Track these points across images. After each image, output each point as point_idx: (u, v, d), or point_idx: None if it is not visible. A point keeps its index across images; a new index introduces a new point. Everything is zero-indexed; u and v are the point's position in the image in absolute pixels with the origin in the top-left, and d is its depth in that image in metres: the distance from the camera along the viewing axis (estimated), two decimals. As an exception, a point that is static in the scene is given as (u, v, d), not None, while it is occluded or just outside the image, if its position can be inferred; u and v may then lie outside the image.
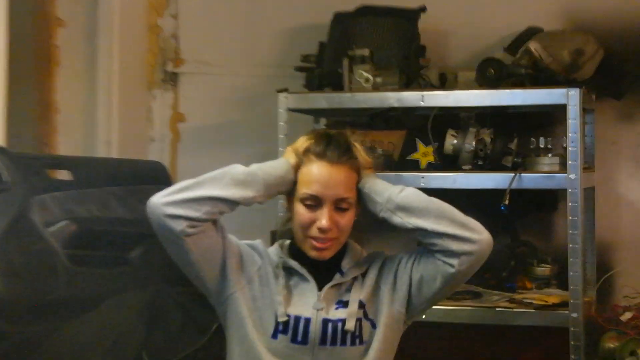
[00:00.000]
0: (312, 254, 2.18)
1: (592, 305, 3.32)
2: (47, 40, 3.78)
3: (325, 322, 2.16)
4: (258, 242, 2.29)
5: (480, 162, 3.27)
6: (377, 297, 2.23)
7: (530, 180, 3.11)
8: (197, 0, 4.12)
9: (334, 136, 2.21)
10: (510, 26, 3.54)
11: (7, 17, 3.18)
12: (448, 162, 3.31)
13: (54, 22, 3.80)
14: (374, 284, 2.23)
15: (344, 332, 2.16)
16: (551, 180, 3.11)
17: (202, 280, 2.19)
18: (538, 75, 3.26)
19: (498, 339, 3.61)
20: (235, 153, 3.72)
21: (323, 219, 2.13)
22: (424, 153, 3.39)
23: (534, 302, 3.17)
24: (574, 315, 3.04)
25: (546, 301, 3.17)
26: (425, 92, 3.25)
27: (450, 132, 3.31)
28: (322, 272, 2.22)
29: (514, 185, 3.08)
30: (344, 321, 2.17)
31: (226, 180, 2.12)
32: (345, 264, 2.23)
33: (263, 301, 2.19)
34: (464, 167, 3.28)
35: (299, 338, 2.15)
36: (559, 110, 3.15)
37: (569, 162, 3.05)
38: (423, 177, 3.20)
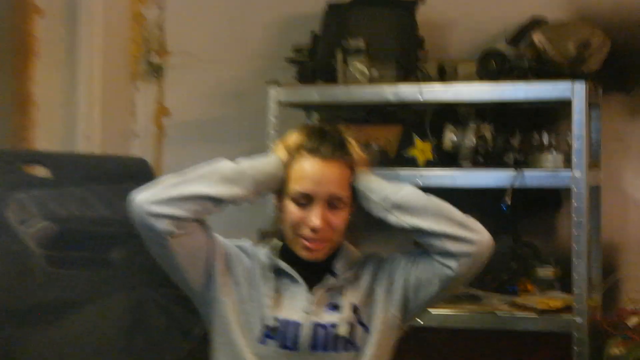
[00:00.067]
0: (303, 254, 2.18)
1: (597, 309, 3.33)
2: (24, 29, 3.78)
3: (316, 326, 2.16)
4: (246, 243, 2.30)
5: (480, 159, 3.28)
6: (372, 301, 2.23)
7: (532, 178, 3.12)
8: (184, -12, 4.13)
9: (327, 131, 2.21)
10: (512, 16, 3.54)
11: (-17, 5, 3.18)
12: (447, 159, 3.32)
13: (31, 10, 3.80)
14: (369, 287, 2.23)
15: (336, 338, 2.16)
16: (555, 178, 3.11)
17: (187, 282, 2.19)
18: (542, 68, 3.27)
19: (498, 345, 3.62)
20: (223, 149, 3.73)
21: (314, 217, 2.13)
22: (421, 149, 3.39)
23: (536, 306, 3.18)
24: (578, 320, 3.05)
25: (549, 305, 3.18)
26: (423, 86, 3.25)
27: (450, 127, 3.31)
28: (314, 274, 2.21)
29: (516, 184, 3.09)
30: (336, 325, 2.17)
31: (214, 177, 2.12)
32: (338, 265, 2.23)
33: (251, 304, 2.19)
34: (463, 164, 3.28)
35: (289, 343, 2.15)
36: (564, 105, 3.15)
37: (574, 160, 3.05)
38: (421, 175, 3.21)
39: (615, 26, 3.50)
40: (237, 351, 2.16)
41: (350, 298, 2.21)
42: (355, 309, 2.20)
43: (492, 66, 3.24)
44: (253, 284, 2.21)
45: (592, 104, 3.32)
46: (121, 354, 2.81)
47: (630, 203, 3.63)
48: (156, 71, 4.14)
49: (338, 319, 2.17)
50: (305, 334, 2.16)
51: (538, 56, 3.27)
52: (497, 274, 3.42)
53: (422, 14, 3.54)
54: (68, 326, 2.77)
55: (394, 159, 3.43)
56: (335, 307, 2.20)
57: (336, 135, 2.20)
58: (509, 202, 3.06)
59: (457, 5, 3.74)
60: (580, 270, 3.04)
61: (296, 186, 2.16)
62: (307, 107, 3.69)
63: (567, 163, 3.13)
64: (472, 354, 3.70)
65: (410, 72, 3.43)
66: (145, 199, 2.07)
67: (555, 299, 3.24)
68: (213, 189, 2.11)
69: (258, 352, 2.16)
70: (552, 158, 3.21)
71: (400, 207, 2.15)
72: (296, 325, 2.16)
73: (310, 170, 2.15)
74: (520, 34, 3.43)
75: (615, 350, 3.10)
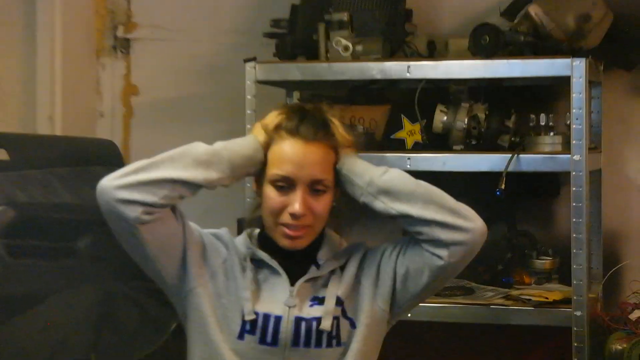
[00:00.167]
0: (284, 243, 2.18)
1: (597, 302, 3.35)
2: (-23, 2, 3.76)
3: (298, 320, 2.18)
4: (223, 231, 2.30)
5: (473, 142, 3.29)
6: (357, 293, 2.24)
7: (529, 162, 3.13)
8: (152, -45, 4.11)
9: (308, 111, 2.21)
10: (507, -12, 3.55)
11: None
12: (437, 142, 3.33)
13: (-15, -19, 3.78)
14: (354, 279, 2.25)
15: (319, 332, 2.17)
16: (553, 162, 3.12)
17: (159, 273, 2.20)
18: (539, 44, 3.27)
19: (493, 340, 3.64)
20: (196, 131, 3.74)
21: (295, 202, 2.14)
22: (410, 131, 3.40)
23: (533, 298, 3.20)
24: (578, 313, 3.06)
25: (546, 298, 3.20)
26: (411, 63, 3.25)
27: (440, 107, 3.32)
28: (296, 264, 2.23)
29: (511, 168, 3.10)
30: (319, 320, 2.18)
31: (187, 160, 2.12)
32: (322, 255, 2.24)
33: (228, 297, 2.20)
34: (455, 147, 3.29)
35: (268, 339, 2.17)
36: (562, 83, 3.17)
37: (573, 142, 3.06)
38: (409, 158, 3.21)
39: (618, -2, 3.51)
40: (213, 347, 2.17)
41: (334, 290, 2.21)
42: (340, 302, 2.21)
43: (485, 41, 3.24)
44: (230, 276, 2.22)
45: (592, 82, 3.34)
46: (88, 350, 2.82)
47: (633, 188, 3.65)
48: (123, 46, 4.14)
49: (321, 313, 2.19)
50: (286, 328, 2.17)
51: (535, 30, 3.28)
52: (491, 265, 3.44)
53: (411, -16, 3.55)
54: (29, 321, 2.77)
55: (380, 141, 3.44)
56: (318, 300, 2.21)
57: (318, 115, 2.21)
58: (504, 188, 3.07)
59: (448, -25, 3.76)
60: (579, 260, 3.06)
61: (275, 169, 2.16)
62: (287, 86, 3.70)
63: (566, 146, 3.14)
64: (464, 349, 3.72)
65: (398, 48, 3.44)
66: (112, 184, 2.07)
67: (553, 291, 3.26)
68: (186, 173, 2.11)
69: (236, 347, 2.17)
70: (549, 140, 3.22)
71: (386, 192, 2.15)
72: (276, 319, 2.18)
73: (290, 152, 2.16)
74: (516, 7, 3.44)
75: (617, 345, 3.12)
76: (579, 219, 3.05)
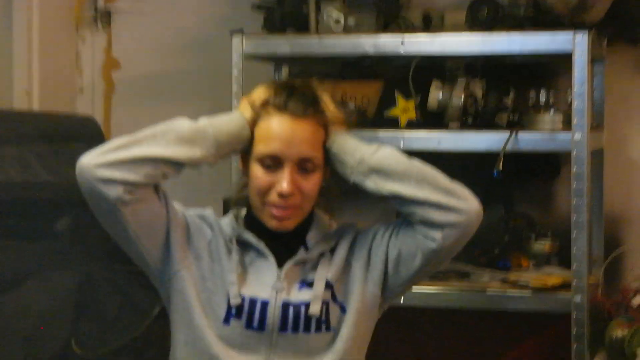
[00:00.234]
0: (271, 224, 2.19)
1: (598, 287, 3.36)
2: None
3: (286, 305, 2.18)
4: (208, 212, 2.31)
5: (470, 120, 3.29)
6: (348, 277, 2.25)
7: (528, 141, 3.14)
8: None
9: (297, 86, 2.21)
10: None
11: None
12: (432, 120, 3.33)
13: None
14: (344, 262, 2.25)
15: (308, 317, 2.18)
16: (553, 141, 3.13)
17: (142, 256, 2.20)
18: (539, 18, 3.27)
19: (489, 326, 3.66)
20: (180, 107, 3.72)
21: (283, 181, 2.14)
22: (404, 108, 3.40)
23: (531, 283, 3.21)
24: (577, 298, 3.08)
25: (545, 282, 3.21)
26: (406, 37, 3.26)
27: (435, 84, 3.32)
28: (284, 246, 2.23)
29: (510, 147, 3.11)
30: (307, 304, 2.18)
31: (170, 137, 2.12)
32: (311, 237, 2.25)
33: (213, 281, 2.21)
34: (450, 125, 3.30)
35: (255, 324, 2.17)
36: (563, 59, 3.16)
37: (574, 120, 3.07)
38: (403, 137, 3.22)
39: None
40: (198, 332, 2.17)
41: (324, 274, 2.22)
42: (329, 286, 2.21)
43: (483, 15, 3.25)
44: (215, 258, 2.23)
45: (595, 58, 3.34)
46: (68, 336, 2.83)
47: (636, 169, 3.65)
48: (104, 18, 4.13)
49: (310, 297, 2.19)
50: (273, 313, 2.18)
51: (535, 3, 3.28)
52: (488, 248, 3.45)
53: (405, -46, 3.54)
54: (6, 305, 2.78)
55: (373, 119, 3.44)
56: (307, 284, 2.22)
57: (307, 91, 2.21)
58: (502, 168, 3.07)
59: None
60: (579, 243, 3.07)
61: (263, 147, 2.16)
62: (276, 60, 3.69)
63: (567, 124, 3.15)
64: (458, 336, 3.74)
65: (392, 21, 3.43)
66: (92, 162, 2.07)
67: (552, 276, 3.27)
68: (169, 150, 2.10)
69: (221, 333, 2.17)
70: (549, 119, 3.22)
71: (378, 171, 2.16)
72: (263, 303, 2.18)
73: (278, 129, 2.16)
74: (516, -21, 3.44)
75: (618, 332, 3.12)
76: (580, 200, 3.07)
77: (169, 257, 2.20)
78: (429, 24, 3.48)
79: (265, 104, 2.18)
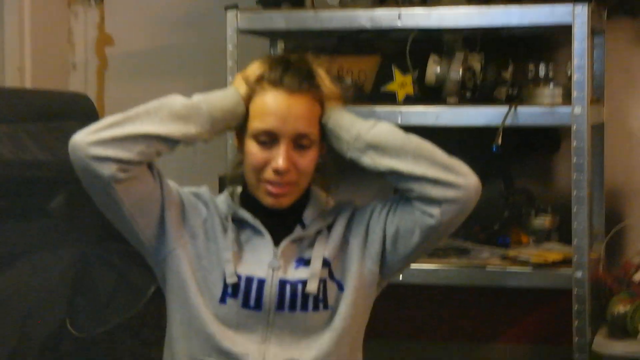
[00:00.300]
0: (267, 201, 2.19)
1: (599, 263, 3.37)
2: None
3: (283, 283, 2.19)
4: (203, 190, 2.30)
5: (468, 94, 3.29)
6: (345, 254, 2.25)
7: (527, 115, 3.14)
8: None
9: (292, 61, 2.20)
10: None
11: None
12: (430, 94, 3.33)
13: None
14: (342, 239, 2.25)
15: (305, 296, 2.18)
16: (552, 115, 3.13)
17: (136, 235, 2.20)
18: (538, -11, 3.27)
19: (489, 303, 3.68)
20: (174, 83, 3.74)
21: (279, 158, 2.13)
22: (401, 83, 3.39)
23: (531, 259, 3.22)
24: (578, 274, 3.09)
25: (545, 258, 3.22)
26: (402, 10, 3.24)
27: (433, 58, 3.32)
28: (280, 224, 2.23)
29: (509, 122, 3.11)
30: (305, 282, 2.18)
31: (163, 113, 2.11)
32: (308, 214, 2.25)
33: (209, 259, 2.21)
34: (448, 100, 3.30)
35: (252, 302, 2.17)
36: (563, 32, 3.17)
37: (574, 94, 3.07)
38: (400, 112, 3.22)
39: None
40: (194, 311, 2.18)
41: (321, 251, 2.22)
42: (326, 263, 2.21)
43: (481, -13, 3.24)
44: (211, 237, 2.23)
45: (595, 30, 3.34)
46: (62, 316, 2.83)
47: (637, 143, 3.66)
48: (96, -7, 4.12)
49: (307, 275, 2.19)
50: (270, 292, 2.18)
51: (534, -25, 3.27)
52: (487, 224, 3.45)
53: None
54: (0, 285, 2.78)
55: (369, 94, 3.44)
56: (304, 262, 2.22)
57: (303, 66, 2.20)
58: (500, 143, 3.07)
59: None
60: (580, 218, 3.08)
61: (258, 123, 2.16)
62: (271, 35, 3.69)
63: (567, 98, 3.15)
64: (458, 313, 3.75)
65: (389, -6, 3.43)
66: (85, 140, 2.06)
67: (552, 252, 3.28)
68: (162, 127, 2.10)
69: (217, 312, 2.18)
70: (549, 92, 3.23)
71: (374, 146, 2.15)
72: (260, 282, 2.18)
73: (273, 105, 2.15)
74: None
75: (620, 308, 3.13)
76: (580, 175, 3.07)
77: (163, 235, 2.20)
78: (427, -3, 3.47)
79: (260, 80, 2.18)
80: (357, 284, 2.23)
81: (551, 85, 3.24)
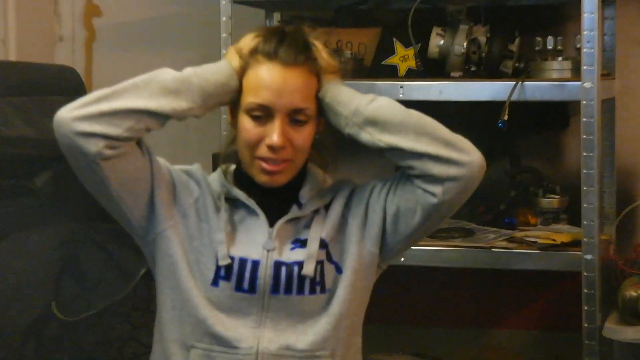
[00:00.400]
0: (262, 179, 2.18)
1: (610, 244, 3.37)
2: None
3: (278, 265, 2.19)
4: (195, 168, 2.30)
5: (473, 68, 3.29)
6: (344, 235, 2.25)
7: (535, 90, 3.13)
8: None
9: (288, 33, 2.20)
10: None
11: None
12: (433, 68, 3.33)
13: None
14: (340, 219, 2.26)
15: (301, 278, 2.19)
16: (561, 89, 3.13)
17: (125, 215, 2.20)
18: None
19: (495, 286, 3.68)
20: (165, 56, 3.73)
21: (274, 133, 2.13)
22: (403, 57, 3.40)
23: (539, 241, 3.22)
24: (588, 257, 3.09)
25: (554, 240, 3.22)
26: (404, -21, 3.25)
27: (436, 30, 3.31)
28: (275, 203, 2.23)
29: (515, 97, 3.10)
30: (301, 264, 2.19)
31: (153, 87, 2.11)
32: (304, 193, 2.25)
33: (201, 240, 2.21)
34: (452, 74, 3.29)
35: (245, 285, 2.18)
36: (572, 2, 3.16)
37: (584, 67, 3.06)
38: (402, 87, 3.21)
39: None
40: (185, 294, 2.18)
41: (318, 232, 2.22)
42: (324, 245, 2.22)
43: (486, -45, 3.24)
44: (203, 217, 2.23)
45: (605, 1, 3.33)
46: (48, 298, 2.84)
47: (649, 119, 3.67)
48: (84, -39, 4.11)
49: (304, 257, 2.20)
50: (264, 274, 2.18)
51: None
52: (493, 204, 3.45)
53: None
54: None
55: (370, 67, 3.44)
56: (300, 243, 2.22)
57: (299, 38, 2.19)
58: (507, 119, 3.07)
59: None
60: (590, 198, 3.07)
61: (252, 97, 2.15)
62: (267, 6, 3.68)
63: (576, 72, 3.14)
64: (463, 296, 3.76)
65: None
66: (70, 115, 2.06)
67: (561, 233, 3.28)
68: (152, 102, 2.10)
69: (210, 295, 2.18)
70: (557, 66, 3.22)
71: (373, 122, 2.15)
72: (254, 264, 2.19)
73: (268, 78, 2.15)
74: None
75: (632, 292, 3.13)
76: (590, 152, 3.06)
77: (153, 215, 2.20)
78: (429, -35, 3.47)
79: (254, 52, 2.17)
80: (356, 266, 2.23)
81: (559, 58, 3.23)
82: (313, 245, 2.21)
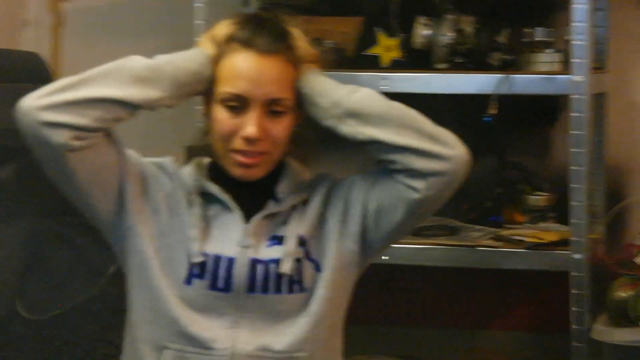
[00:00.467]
0: (237, 172, 2.18)
1: (599, 244, 3.38)
2: None
3: (254, 263, 2.18)
4: (167, 160, 2.29)
5: (459, 60, 3.29)
6: (323, 232, 2.24)
7: (523, 83, 3.14)
8: None
9: (265, 20, 2.20)
10: None
11: None
12: (418, 59, 3.33)
13: None
14: (319, 215, 2.25)
15: (279, 276, 2.18)
16: (550, 83, 3.14)
17: (93, 209, 2.19)
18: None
19: (479, 287, 3.68)
20: (137, 43, 3.70)
21: (249, 125, 2.13)
22: (386, 47, 3.40)
23: (526, 239, 3.23)
24: (577, 256, 3.09)
25: (541, 239, 3.23)
26: (387, -34, 3.25)
27: (421, 20, 3.31)
28: (251, 199, 2.22)
29: (503, 90, 3.11)
30: (278, 262, 2.18)
31: (123, 76, 2.10)
32: (282, 188, 2.24)
33: (173, 237, 2.20)
34: (438, 65, 3.30)
35: (220, 284, 2.17)
36: (562, -8, 3.16)
37: (574, 60, 3.07)
38: (385, 78, 3.22)
39: None
40: (157, 294, 2.17)
41: (296, 229, 2.22)
42: (302, 242, 2.21)
43: (474, -59, 3.24)
44: (175, 212, 2.22)
45: (597, -9, 3.34)
46: (12, 297, 2.83)
47: (642, 114, 3.67)
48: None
49: (281, 254, 2.19)
50: (239, 272, 2.17)
51: None
52: (478, 201, 3.46)
53: None
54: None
55: (352, 58, 3.43)
56: (277, 240, 2.22)
57: (277, 25, 2.19)
58: (494, 113, 3.08)
59: None
60: (579, 196, 3.08)
61: (226, 87, 2.15)
62: (244, -8, 3.68)
63: (566, 65, 3.16)
64: (446, 296, 3.76)
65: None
66: (35, 104, 2.05)
67: (548, 232, 3.29)
68: (121, 91, 2.09)
69: (183, 294, 2.17)
70: (547, 58, 3.23)
71: (354, 114, 2.14)
72: (229, 261, 2.18)
73: (243, 67, 2.14)
74: None
75: (621, 292, 3.15)
76: (579, 149, 3.07)
77: (122, 210, 2.19)
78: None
79: (229, 40, 2.17)
80: (336, 264, 2.23)
81: (549, 51, 3.24)
82: (291, 243, 2.20)
